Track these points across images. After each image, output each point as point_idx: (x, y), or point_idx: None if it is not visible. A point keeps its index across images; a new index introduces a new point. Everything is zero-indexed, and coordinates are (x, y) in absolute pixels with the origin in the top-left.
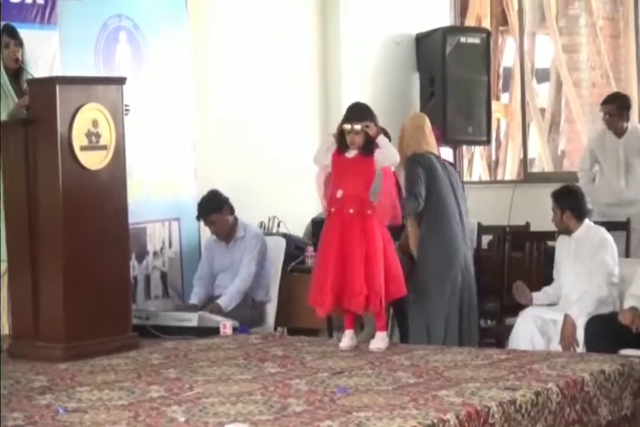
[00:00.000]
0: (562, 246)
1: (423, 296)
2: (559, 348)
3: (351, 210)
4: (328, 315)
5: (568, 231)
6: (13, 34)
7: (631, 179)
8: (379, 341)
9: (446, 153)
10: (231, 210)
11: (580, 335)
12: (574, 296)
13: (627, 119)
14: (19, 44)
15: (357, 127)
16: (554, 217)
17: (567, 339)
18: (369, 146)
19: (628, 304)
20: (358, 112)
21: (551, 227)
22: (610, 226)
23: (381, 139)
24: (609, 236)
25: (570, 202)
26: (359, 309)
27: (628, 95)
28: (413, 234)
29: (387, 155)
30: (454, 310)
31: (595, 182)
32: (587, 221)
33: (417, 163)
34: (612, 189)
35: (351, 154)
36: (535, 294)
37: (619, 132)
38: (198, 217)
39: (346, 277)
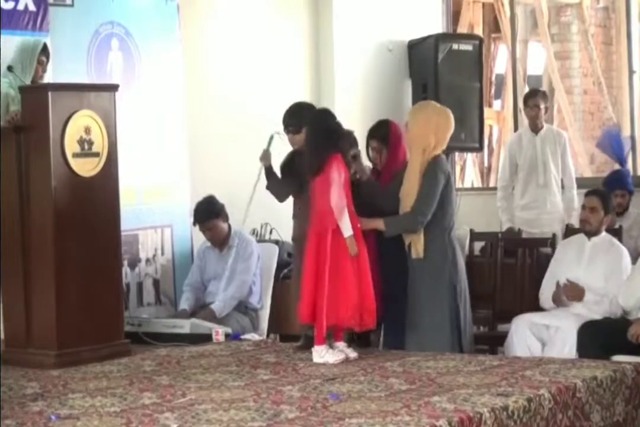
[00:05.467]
0: (572, 244)
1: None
2: (554, 353)
3: (359, 225)
4: None
5: (593, 233)
6: (48, 53)
7: (548, 177)
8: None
9: None
10: (226, 217)
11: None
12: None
13: (547, 112)
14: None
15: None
16: (592, 216)
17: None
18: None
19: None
20: None
21: (550, 232)
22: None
23: None
24: (627, 256)
25: (611, 209)
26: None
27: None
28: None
29: None
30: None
31: (514, 192)
32: (605, 232)
33: (440, 178)
34: (530, 188)
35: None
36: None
37: (538, 129)
38: (195, 223)
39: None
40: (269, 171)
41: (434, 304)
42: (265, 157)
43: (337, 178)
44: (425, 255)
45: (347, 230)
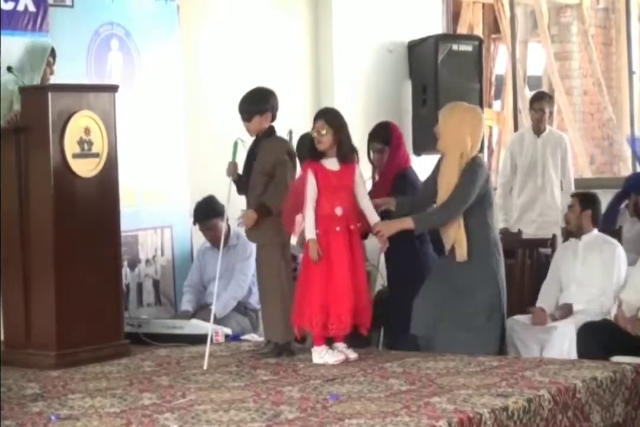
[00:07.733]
0: (566, 249)
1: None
2: (552, 353)
3: (352, 227)
4: None
5: (578, 232)
6: (55, 55)
7: (546, 179)
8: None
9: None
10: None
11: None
12: (581, 297)
13: (551, 116)
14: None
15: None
16: (570, 213)
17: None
18: (344, 152)
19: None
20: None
21: (543, 234)
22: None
23: None
24: (621, 250)
25: (592, 205)
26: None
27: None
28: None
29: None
30: None
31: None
32: (596, 231)
33: (481, 174)
34: (527, 189)
35: (332, 164)
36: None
37: (540, 131)
38: (195, 222)
39: (356, 296)
40: (238, 182)
41: (486, 306)
42: (232, 170)
43: (306, 185)
44: (472, 257)
45: (307, 233)
